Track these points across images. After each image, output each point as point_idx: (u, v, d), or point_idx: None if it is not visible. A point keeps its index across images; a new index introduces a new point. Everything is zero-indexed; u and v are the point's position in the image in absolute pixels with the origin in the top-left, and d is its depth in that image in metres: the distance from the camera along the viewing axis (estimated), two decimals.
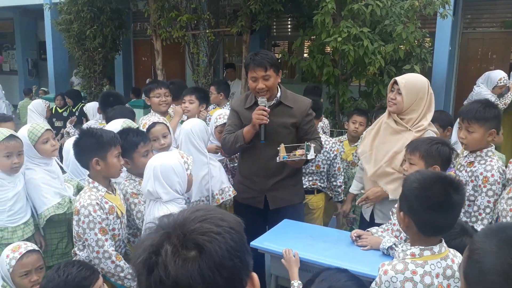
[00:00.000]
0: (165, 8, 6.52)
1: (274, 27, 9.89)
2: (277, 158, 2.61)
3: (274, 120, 2.75)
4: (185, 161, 2.31)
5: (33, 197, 2.67)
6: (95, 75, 8.16)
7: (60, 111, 7.39)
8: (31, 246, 2.18)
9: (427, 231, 1.62)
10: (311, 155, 2.60)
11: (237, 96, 7.14)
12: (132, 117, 3.57)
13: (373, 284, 1.68)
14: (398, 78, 2.63)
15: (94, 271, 1.85)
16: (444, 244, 1.64)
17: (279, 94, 2.81)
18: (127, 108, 4.05)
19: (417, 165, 2.22)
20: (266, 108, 2.69)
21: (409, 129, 2.60)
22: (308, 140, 2.81)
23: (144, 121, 3.36)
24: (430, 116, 2.63)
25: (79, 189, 2.89)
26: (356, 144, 3.73)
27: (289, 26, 9.75)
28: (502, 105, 5.42)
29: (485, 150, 2.44)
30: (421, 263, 1.59)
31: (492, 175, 2.33)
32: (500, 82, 5.44)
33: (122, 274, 2.28)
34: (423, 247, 1.61)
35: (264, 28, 8.14)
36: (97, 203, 2.23)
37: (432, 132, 2.60)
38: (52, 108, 7.49)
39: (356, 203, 2.94)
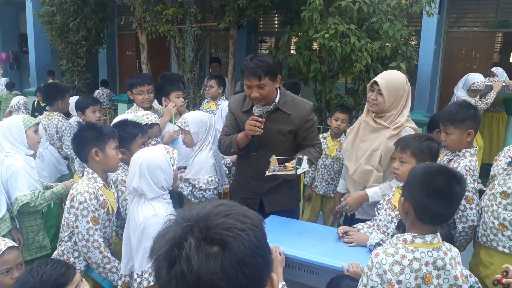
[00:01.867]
0: (151, 1, 6.41)
1: (261, 22, 9.86)
2: (267, 171, 2.49)
3: (271, 127, 2.65)
4: (171, 157, 2.29)
5: (10, 183, 2.68)
6: (78, 69, 8.02)
7: (42, 105, 7.26)
8: (10, 242, 2.12)
9: (424, 218, 1.66)
10: (302, 169, 2.48)
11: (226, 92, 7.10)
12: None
13: (365, 269, 1.71)
14: (377, 79, 2.62)
15: (70, 267, 1.79)
16: (439, 236, 1.69)
17: (277, 99, 2.68)
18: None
19: (409, 163, 2.23)
20: (260, 119, 2.56)
21: (387, 127, 2.62)
22: (306, 146, 2.75)
23: (128, 115, 3.29)
24: (406, 112, 2.66)
25: (45, 187, 2.95)
26: (339, 139, 3.76)
27: (276, 22, 9.73)
28: (484, 105, 5.53)
29: (463, 150, 2.50)
30: (412, 249, 1.63)
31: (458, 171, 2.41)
32: (473, 86, 5.59)
33: (108, 266, 2.29)
34: (416, 234, 1.66)
35: (251, 24, 8.10)
36: (94, 192, 2.26)
37: (410, 128, 2.61)
38: (34, 101, 7.37)
39: (336, 209, 2.92)
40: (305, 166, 2.49)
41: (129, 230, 2.27)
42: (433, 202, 1.62)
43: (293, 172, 2.47)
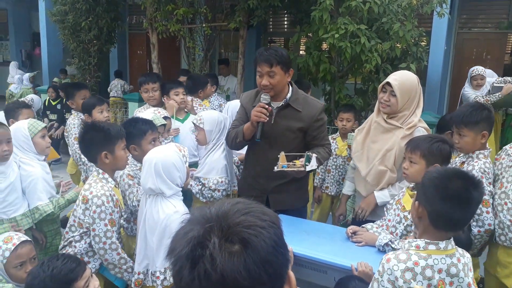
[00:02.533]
0: (162, 1, 6.46)
1: (271, 23, 9.87)
2: (275, 167, 2.50)
3: (281, 123, 2.67)
4: (183, 155, 2.31)
5: (28, 191, 2.66)
6: (90, 67, 8.10)
7: (53, 103, 7.30)
8: (24, 236, 2.16)
9: (439, 223, 1.61)
10: (311, 166, 2.48)
11: (232, 92, 7.13)
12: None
13: (376, 274, 1.68)
14: (390, 80, 2.60)
15: (80, 263, 1.83)
16: (452, 242, 1.64)
17: (289, 95, 2.69)
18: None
19: (418, 164, 2.22)
20: (267, 106, 2.57)
21: (400, 127, 2.61)
22: (315, 146, 2.75)
23: (138, 113, 3.35)
24: (419, 112, 2.66)
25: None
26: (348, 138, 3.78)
27: (285, 22, 9.73)
28: (483, 101, 5.48)
29: (476, 152, 2.49)
30: (425, 255, 1.59)
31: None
32: (473, 73, 5.64)
33: (124, 267, 2.31)
34: (429, 240, 1.61)
35: (261, 24, 8.10)
36: (110, 195, 2.27)
37: (422, 128, 2.61)
38: (45, 100, 7.43)
39: (353, 216, 2.92)
40: (313, 163, 2.49)
41: (145, 228, 2.27)
42: (450, 207, 1.57)
43: (302, 169, 2.47)
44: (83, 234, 2.31)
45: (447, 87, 8.09)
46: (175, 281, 0.82)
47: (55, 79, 9.14)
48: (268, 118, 2.57)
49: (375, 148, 2.69)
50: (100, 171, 2.35)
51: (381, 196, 2.63)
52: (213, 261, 0.76)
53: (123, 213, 2.58)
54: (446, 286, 1.58)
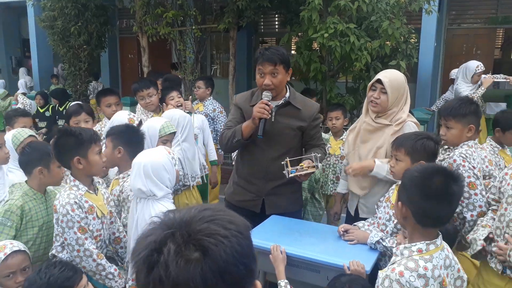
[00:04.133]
0: (151, 4, 6.46)
1: (262, 23, 9.88)
2: (286, 174, 2.48)
3: (281, 121, 2.65)
4: (172, 157, 2.30)
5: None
6: (81, 73, 8.06)
7: (41, 110, 7.10)
8: (17, 246, 2.12)
9: (425, 221, 1.61)
10: (320, 166, 2.53)
11: (224, 94, 7.13)
12: None
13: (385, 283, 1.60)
14: (381, 77, 2.61)
15: (77, 271, 1.81)
16: (440, 236, 1.65)
17: (287, 94, 2.69)
18: None
19: (403, 161, 2.22)
20: (269, 103, 2.55)
21: (389, 124, 2.63)
22: (312, 146, 2.75)
23: (129, 116, 3.31)
24: (407, 108, 2.68)
25: None
26: (341, 137, 3.78)
27: (276, 23, 9.75)
28: (476, 98, 5.57)
29: (461, 144, 2.47)
30: (429, 257, 1.58)
31: (454, 161, 2.39)
32: (478, 69, 5.66)
33: (103, 273, 2.26)
34: (428, 241, 1.61)
35: (251, 25, 8.11)
36: (75, 202, 2.20)
37: (412, 123, 2.63)
38: (52, 106, 7.22)
39: (344, 170, 2.91)
40: (319, 163, 2.53)
41: (137, 233, 2.23)
42: (433, 205, 1.57)
43: (313, 170, 2.50)
44: (63, 244, 2.27)
45: (438, 83, 8.14)
46: (136, 283, 0.82)
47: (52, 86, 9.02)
48: (270, 115, 2.57)
49: (367, 148, 2.70)
50: (72, 178, 2.29)
51: (380, 165, 2.54)
52: (166, 268, 0.75)
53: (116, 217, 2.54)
54: (447, 279, 1.59)
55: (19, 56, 13.19)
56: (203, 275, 0.75)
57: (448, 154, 2.53)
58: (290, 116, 2.68)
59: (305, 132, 2.73)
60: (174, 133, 3.07)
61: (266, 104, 2.53)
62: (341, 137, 3.78)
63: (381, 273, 1.63)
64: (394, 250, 1.70)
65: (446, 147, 2.64)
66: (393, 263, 1.64)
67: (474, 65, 5.72)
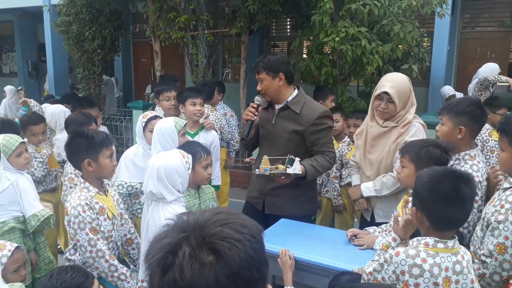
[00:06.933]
0: (164, 9, 6.53)
1: (274, 27, 9.89)
2: (257, 169, 2.58)
3: (279, 123, 2.78)
4: (186, 161, 2.31)
5: (23, 200, 2.62)
6: (94, 77, 8.16)
7: None
8: (15, 243, 2.19)
9: (439, 225, 1.62)
10: (292, 169, 2.48)
11: (235, 98, 7.15)
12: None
13: (381, 259, 1.68)
14: (387, 89, 2.58)
15: (88, 276, 1.83)
16: (457, 241, 1.65)
17: (290, 98, 2.78)
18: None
19: (408, 168, 2.19)
20: (255, 106, 2.74)
21: (396, 125, 2.64)
22: (316, 152, 2.75)
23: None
24: (413, 109, 2.68)
25: None
26: (343, 140, 3.78)
27: (288, 27, 9.75)
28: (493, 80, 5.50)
29: (462, 154, 2.30)
30: (433, 253, 1.59)
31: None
32: (499, 80, 5.56)
33: (116, 274, 2.28)
34: (438, 239, 1.62)
35: (263, 29, 8.14)
36: (87, 203, 2.23)
37: (418, 123, 2.62)
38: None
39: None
40: (297, 167, 2.49)
41: (148, 235, 2.27)
42: (445, 209, 1.58)
43: (283, 172, 2.51)
44: (75, 246, 2.31)
45: (452, 87, 8.04)
46: (149, 286, 0.82)
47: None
48: (256, 118, 2.75)
49: (377, 151, 2.72)
50: (82, 180, 2.33)
51: (366, 191, 2.74)
52: (181, 271, 0.76)
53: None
54: (451, 284, 1.58)
55: (35, 60, 13.42)
56: (216, 278, 0.76)
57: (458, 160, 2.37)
58: (287, 119, 2.78)
59: (305, 137, 2.74)
60: (186, 124, 3.10)
61: (253, 107, 2.74)
62: (343, 140, 3.78)
63: (390, 250, 1.71)
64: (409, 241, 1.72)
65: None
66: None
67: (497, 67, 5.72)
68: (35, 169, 3.54)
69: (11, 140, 2.72)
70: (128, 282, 2.32)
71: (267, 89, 2.77)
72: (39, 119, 3.73)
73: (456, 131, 2.28)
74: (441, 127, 2.36)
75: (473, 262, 1.89)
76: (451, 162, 2.38)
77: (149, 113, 3.23)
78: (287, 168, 2.50)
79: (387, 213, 2.64)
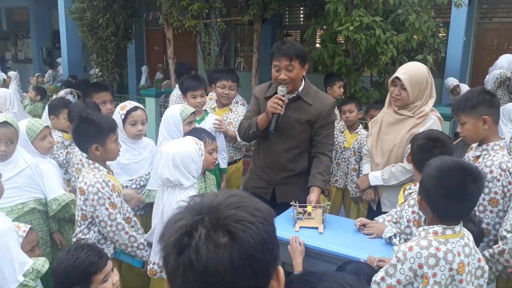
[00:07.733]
0: None
1: (286, 16, 9.82)
2: (293, 218, 2.44)
3: (291, 114, 2.68)
4: (199, 147, 2.36)
5: (44, 183, 2.66)
6: (108, 64, 8.23)
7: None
8: (28, 225, 2.24)
9: (443, 216, 1.64)
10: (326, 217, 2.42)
11: (246, 86, 7.15)
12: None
13: (393, 260, 1.66)
14: (399, 74, 2.56)
15: (102, 256, 1.87)
16: (461, 224, 1.66)
17: (301, 88, 2.71)
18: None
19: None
20: (283, 98, 2.57)
21: (412, 116, 2.60)
22: (317, 142, 2.72)
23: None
24: (431, 102, 2.62)
25: None
26: (356, 131, 3.74)
27: (301, 15, 9.67)
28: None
29: (491, 144, 2.25)
30: (444, 241, 1.60)
31: (491, 172, 2.15)
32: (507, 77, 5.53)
33: (135, 244, 2.38)
34: (445, 226, 1.63)
35: (276, 17, 8.08)
36: (103, 180, 2.33)
37: (435, 116, 2.59)
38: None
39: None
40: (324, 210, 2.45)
41: (162, 219, 2.32)
42: (449, 203, 1.58)
43: (319, 224, 2.40)
44: (89, 225, 2.38)
45: (467, 78, 7.92)
46: (163, 266, 0.84)
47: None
48: (283, 110, 2.58)
49: (389, 140, 2.69)
50: (91, 161, 2.41)
51: (374, 180, 2.73)
52: (197, 252, 0.78)
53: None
54: (465, 267, 1.60)
55: (50, 47, 13.55)
56: (231, 260, 0.77)
57: (486, 151, 2.28)
58: (299, 110, 2.71)
59: (313, 126, 2.74)
60: (194, 112, 3.11)
61: (280, 100, 2.55)
62: (356, 131, 3.75)
63: (396, 248, 1.69)
64: (414, 231, 1.72)
65: (474, 146, 2.42)
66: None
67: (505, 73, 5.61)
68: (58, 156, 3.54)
69: (36, 123, 2.80)
70: (146, 251, 2.43)
71: (295, 78, 2.62)
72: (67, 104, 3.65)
73: (480, 123, 2.23)
74: (464, 127, 2.29)
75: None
76: (477, 153, 2.31)
77: (127, 104, 2.96)
78: (323, 219, 2.42)
79: (393, 202, 2.63)
